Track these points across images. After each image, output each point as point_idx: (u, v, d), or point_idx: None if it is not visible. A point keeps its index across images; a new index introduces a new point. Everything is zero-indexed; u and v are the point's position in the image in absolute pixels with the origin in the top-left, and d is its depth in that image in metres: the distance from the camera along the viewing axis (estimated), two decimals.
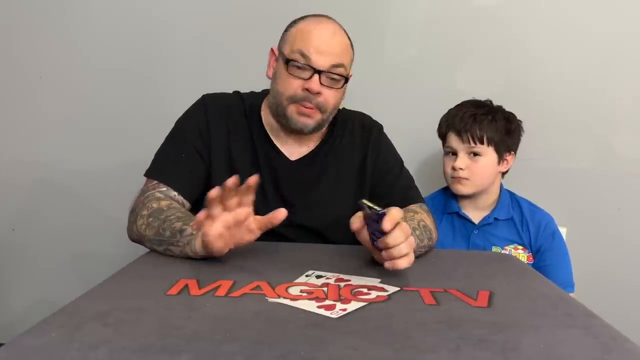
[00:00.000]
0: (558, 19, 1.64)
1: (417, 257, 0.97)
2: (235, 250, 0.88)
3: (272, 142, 1.16)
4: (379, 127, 1.24)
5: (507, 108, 1.44)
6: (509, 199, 1.46)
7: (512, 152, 1.43)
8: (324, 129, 1.18)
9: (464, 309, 0.71)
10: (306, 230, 1.13)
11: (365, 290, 0.77)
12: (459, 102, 1.44)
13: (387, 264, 0.82)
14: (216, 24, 1.70)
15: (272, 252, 0.97)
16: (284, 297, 0.72)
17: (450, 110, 1.43)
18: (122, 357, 0.53)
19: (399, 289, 0.78)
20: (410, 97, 1.68)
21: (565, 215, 1.56)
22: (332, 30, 1.09)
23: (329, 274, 0.84)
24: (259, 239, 0.89)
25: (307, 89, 1.06)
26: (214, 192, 0.80)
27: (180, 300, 0.71)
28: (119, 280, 0.81)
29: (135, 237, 1.00)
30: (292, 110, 1.09)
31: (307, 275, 0.83)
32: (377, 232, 0.81)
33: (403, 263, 0.81)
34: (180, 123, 1.16)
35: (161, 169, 1.10)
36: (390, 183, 1.18)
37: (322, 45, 1.06)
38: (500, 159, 1.40)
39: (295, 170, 1.15)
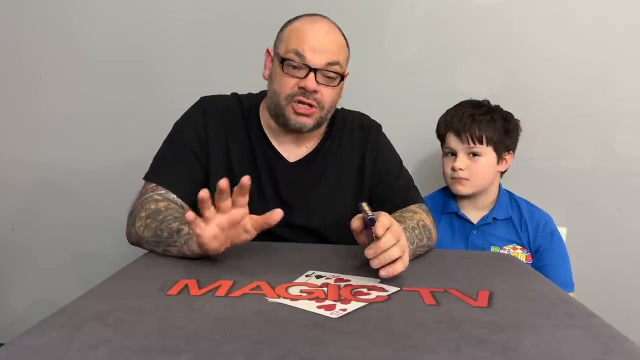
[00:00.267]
0: (558, 18, 1.64)
1: (416, 257, 0.98)
2: (235, 250, 0.88)
3: (271, 143, 1.16)
4: (378, 127, 1.24)
5: (507, 108, 1.43)
6: (507, 198, 1.45)
7: (511, 152, 1.43)
8: (323, 129, 1.18)
9: (464, 309, 0.71)
10: (305, 231, 1.13)
11: (365, 290, 0.77)
12: (459, 101, 1.44)
13: (381, 272, 0.80)
14: (216, 25, 1.70)
15: (271, 253, 0.97)
16: (284, 297, 0.72)
17: (448, 111, 1.42)
18: (122, 357, 0.53)
19: (399, 289, 0.78)
20: (410, 97, 1.68)
21: (565, 215, 1.55)
22: (327, 29, 1.09)
23: (328, 274, 0.84)
24: (259, 240, 0.89)
25: (303, 88, 1.06)
26: (203, 193, 0.80)
27: (180, 300, 0.71)
28: (118, 280, 0.81)
29: (134, 240, 1.00)
30: (290, 109, 1.09)
31: (307, 276, 0.83)
32: (370, 236, 0.81)
33: (398, 267, 0.80)
34: (179, 125, 1.16)
35: (159, 171, 1.09)
36: (390, 183, 1.18)
37: (316, 44, 1.06)
38: (499, 158, 1.40)
39: (294, 171, 1.15)
